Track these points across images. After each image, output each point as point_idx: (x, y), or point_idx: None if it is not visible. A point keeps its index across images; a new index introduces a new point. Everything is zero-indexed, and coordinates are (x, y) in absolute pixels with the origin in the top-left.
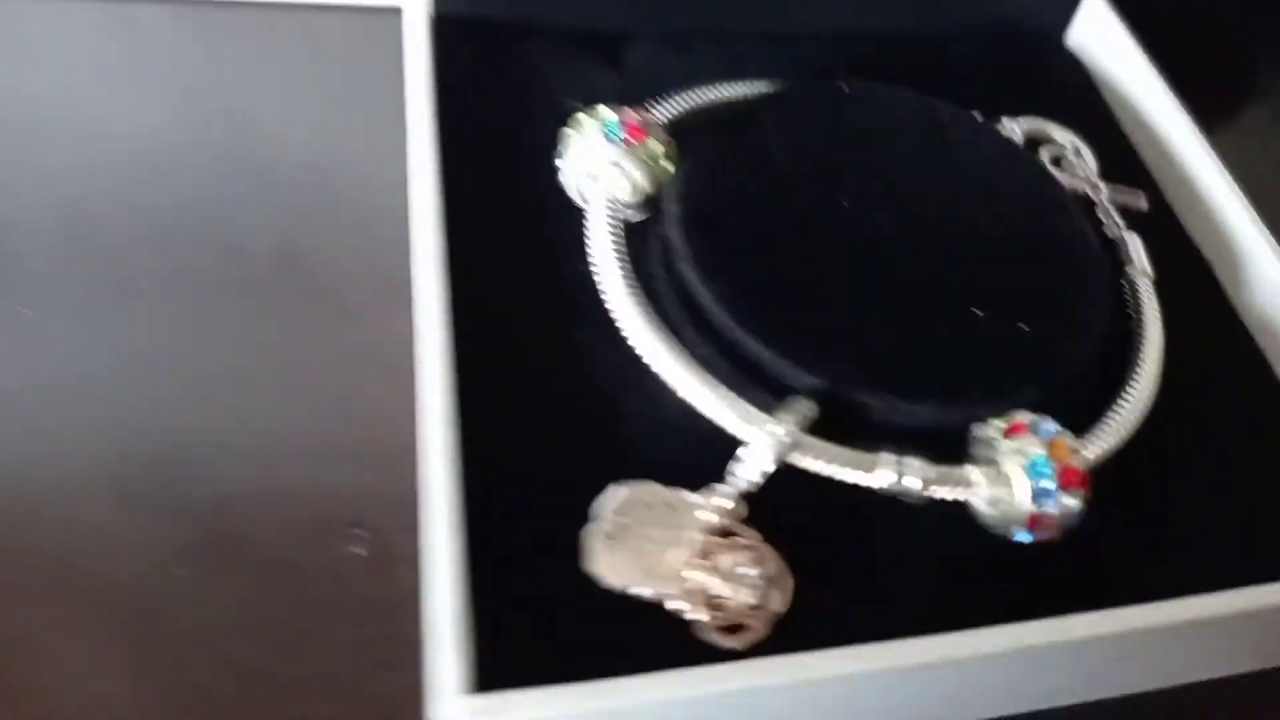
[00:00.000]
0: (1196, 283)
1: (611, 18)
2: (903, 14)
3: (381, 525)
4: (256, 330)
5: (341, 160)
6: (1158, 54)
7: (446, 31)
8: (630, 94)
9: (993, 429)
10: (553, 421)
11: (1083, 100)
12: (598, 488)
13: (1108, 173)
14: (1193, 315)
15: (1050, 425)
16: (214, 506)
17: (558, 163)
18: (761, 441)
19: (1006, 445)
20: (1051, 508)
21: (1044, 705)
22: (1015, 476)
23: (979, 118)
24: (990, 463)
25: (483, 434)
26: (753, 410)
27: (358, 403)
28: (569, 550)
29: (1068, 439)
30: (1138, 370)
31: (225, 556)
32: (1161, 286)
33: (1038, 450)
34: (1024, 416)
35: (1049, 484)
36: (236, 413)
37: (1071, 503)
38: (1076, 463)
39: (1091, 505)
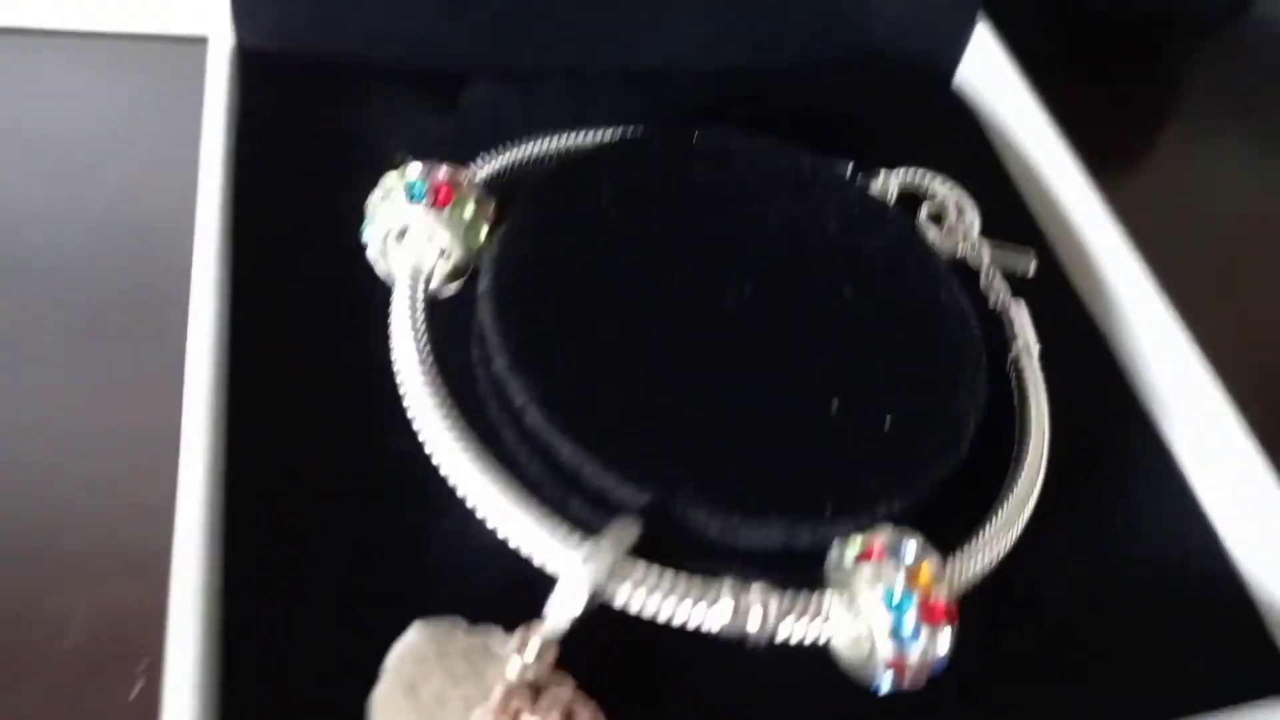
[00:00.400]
0: (1088, 353)
1: (447, 54)
2: (774, 48)
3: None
4: (29, 394)
5: (145, 204)
6: (1052, 98)
7: (256, 68)
8: (464, 142)
9: (849, 550)
10: (340, 543)
11: (969, 147)
12: (393, 622)
13: (993, 228)
14: (1083, 392)
15: (911, 546)
16: None
17: (363, 231)
18: (572, 577)
19: (862, 571)
20: (913, 650)
21: None
22: (871, 609)
23: (847, 171)
24: (847, 589)
25: (248, 554)
26: (561, 537)
27: (149, 502)
28: (355, 704)
29: (932, 561)
30: (1019, 467)
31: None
32: (1051, 359)
33: (896, 578)
34: (882, 535)
35: (909, 620)
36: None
37: (937, 644)
38: (942, 592)
39: (965, 625)
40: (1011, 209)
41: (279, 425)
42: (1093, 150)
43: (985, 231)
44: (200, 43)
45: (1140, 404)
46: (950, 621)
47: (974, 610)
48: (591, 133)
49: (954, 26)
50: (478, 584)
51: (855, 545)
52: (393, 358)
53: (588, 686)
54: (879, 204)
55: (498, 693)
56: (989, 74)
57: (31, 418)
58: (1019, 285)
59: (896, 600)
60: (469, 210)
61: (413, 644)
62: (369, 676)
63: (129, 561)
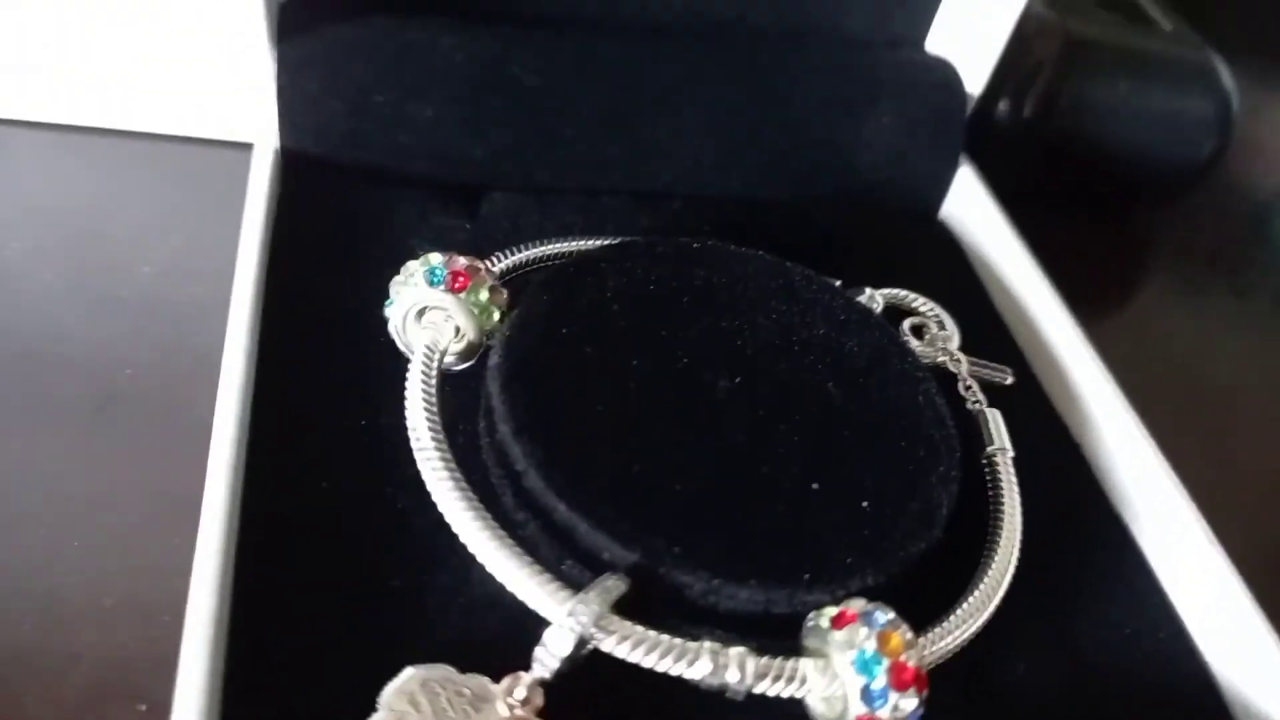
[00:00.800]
0: (1062, 460)
1: (470, 169)
2: (771, 180)
3: (164, 697)
4: (66, 471)
5: (185, 295)
6: (1034, 231)
7: (295, 168)
8: (482, 244)
9: (823, 618)
10: (344, 589)
11: (953, 274)
12: (390, 667)
13: (976, 348)
14: (1056, 494)
15: (882, 615)
16: None
17: (386, 309)
18: (560, 623)
19: (836, 637)
20: (883, 710)
21: None
22: (843, 672)
23: (836, 284)
24: (822, 655)
25: (260, 598)
26: (552, 586)
27: (155, 558)
28: None
29: (902, 631)
30: (991, 556)
31: None
32: (1026, 463)
33: (868, 643)
34: (855, 605)
35: (880, 682)
36: (18, 562)
37: (906, 705)
38: (910, 659)
39: (934, 704)
40: (993, 331)
41: (296, 480)
42: (1069, 291)
43: (966, 348)
44: (245, 148)
45: (1111, 506)
46: (919, 688)
47: (944, 692)
48: (600, 240)
49: (937, 166)
50: (471, 635)
51: (830, 611)
52: (407, 423)
53: None
54: (864, 310)
55: None
56: (971, 209)
57: (49, 476)
58: (997, 396)
59: (867, 663)
60: (483, 295)
61: (404, 685)
62: (367, 712)
63: (138, 612)
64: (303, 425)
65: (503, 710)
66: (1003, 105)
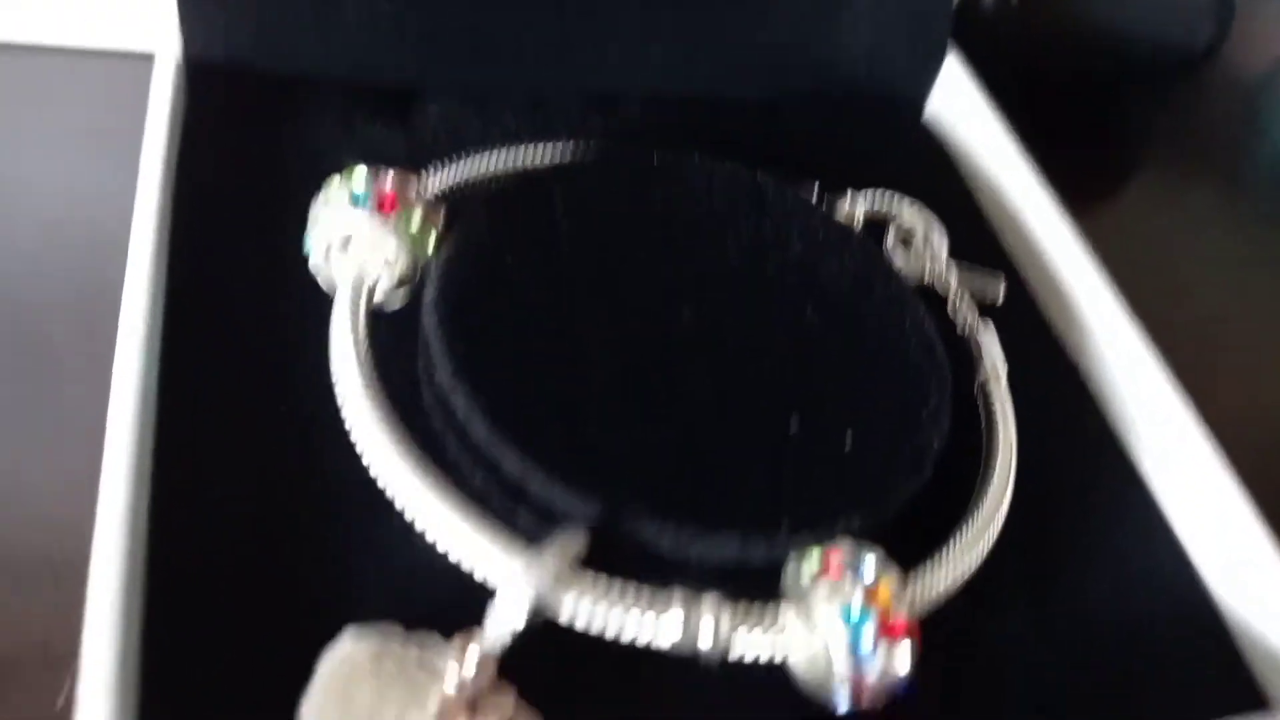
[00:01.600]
0: (1058, 379)
1: (402, 71)
2: (742, 76)
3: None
4: None
5: (87, 228)
6: (1022, 126)
7: (203, 81)
8: (417, 158)
9: (805, 564)
10: (278, 552)
11: (938, 175)
12: (327, 637)
13: (963, 256)
14: (1055, 419)
15: (870, 560)
16: None
17: (306, 238)
18: (513, 587)
19: (819, 587)
20: (871, 669)
21: None
22: (828, 626)
23: (813, 194)
24: (803, 609)
25: (180, 565)
26: (503, 547)
27: (65, 520)
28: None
29: (891, 577)
30: (984, 491)
31: None
32: (1021, 386)
33: (855, 595)
34: (841, 550)
35: (868, 638)
36: None
37: (897, 661)
38: (902, 608)
39: (927, 654)
40: (981, 237)
41: (211, 436)
42: (1061, 187)
43: (955, 254)
44: (146, 59)
45: (1110, 428)
46: (911, 638)
47: (937, 633)
48: (548, 148)
49: (923, 59)
50: (417, 596)
51: (813, 560)
52: (332, 368)
53: (531, 699)
54: (843, 227)
55: (433, 706)
56: (959, 106)
57: None
58: (990, 311)
59: (854, 616)
60: (416, 219)
61: (346, 652)
62: (299, 685)
63: (53, 571)
64: (218, 375)
65: (452, 682)
66: None
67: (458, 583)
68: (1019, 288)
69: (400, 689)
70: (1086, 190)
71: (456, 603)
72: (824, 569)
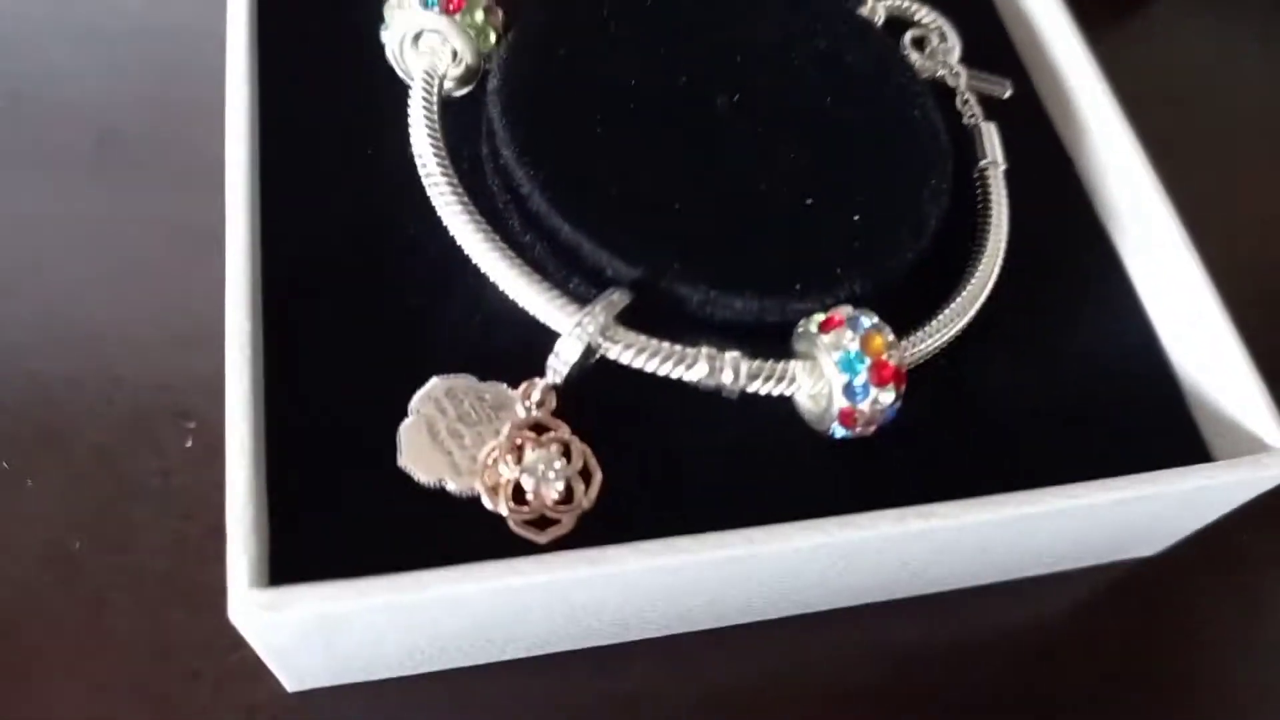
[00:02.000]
0: (1055, 174)
1: None
2: None
3: (209, 415)
4: (76, 209)
5: (173, 21)
6: None
7: None
8: None
9: (812, 323)
10: (368, 311)
11: None
12: (416, 381)
13: (977, 56)
14: (1047, 208)
15: (867, 319)
16: (33, 395)
17: (382, 34)
18: (569, 334)
19: (823, 339)
20: (863, 403)
21: (856, 602)
22: (829, 370)
23: None
24: (810, 357)
25: (290, 322)
26: (560, 301)
27: (188, 288)
28: (383, 445)
29: (885, 334)
30: (975, 265)
31: (45, 446)
32: (1019, 177)
33: (852, 345)
34: (843, 310)
35: (861, 379)
36: (56, 296)
37: (884, 398)
38: (892, 358)
39: (914, 400)
40: (996, 42)
41: (310, 211)
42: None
43: (968, 60)
44: None
45: (1097, 217)
46: (898, 384)
47: (925, 389)
48: None
49: None
50: (488, 348)
51: (818, 317)
52: (412, 150)
53: (581, 433)
54: (866, 23)
55: (506, 429)
56: None
57: (65, 213)
58: (996, 110)
59: (851, 362)
60: (479, 16)
61: (431, 391)
62: (397, 419)
63: (172, 340)
64: (311, 156)
65: (520, 412)
66: None
67: (523, 338)
68: (1027, 86)
69: (477, 419)
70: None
71: (521, 355)
72: (827, 324)
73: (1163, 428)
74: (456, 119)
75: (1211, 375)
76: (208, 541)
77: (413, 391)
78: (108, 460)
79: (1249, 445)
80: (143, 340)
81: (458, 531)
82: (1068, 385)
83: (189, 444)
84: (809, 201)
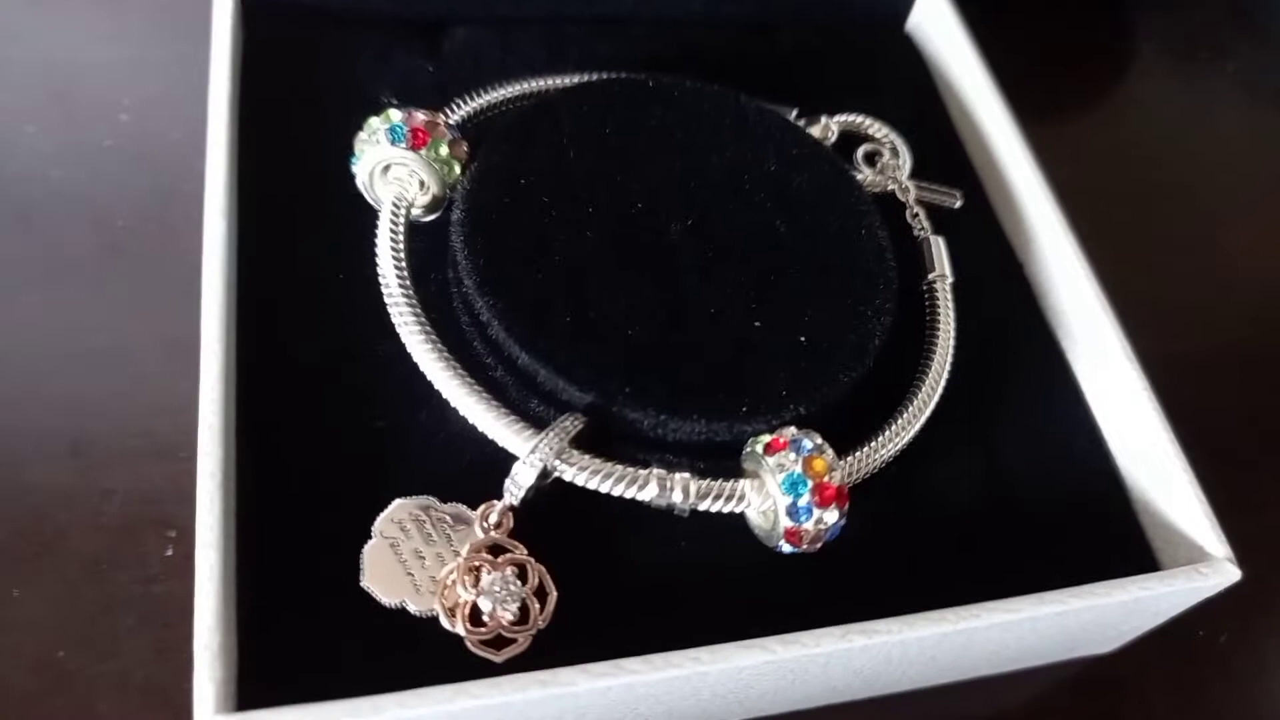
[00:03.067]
0: (1008, 282)
1: (433, 3)
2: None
3: (189, 524)
4: (78, 322)
5: (166, 140)
6: (999, 42)
7: (258, 15)
8: (445, 84)
9: (759, 444)
10: (337, 430)
11: (916, 90)
12: (382, 500)
13: (933, 166)
14: (999, 316)
15: (809, 442)
16: (26, 506)
17: (352, 165)
18: (524, 459)
19: (768, 461)
20: (807, 522)
21: (810, 705)
22: (773, 491)
23: (790, 115)
24: (758, 476)
25: (262, 442)
26: (518, 426)
27: (175, 400)
28: (350, 564)
29: (827, 455)
30: (923, 378)
31: (36, 555)
32: (973, 284)
33: (795, 467)
34: (787, 433)
35: (804, 500)
36: (54, 410)
37: (828, 518)
38: (834, 479)
39: (864, 511)
40: (950, 151)
41: (285, 330)
42: (1055, 89)
43: (924, 168)
44: None
45: (1046, 322)
46: (840, 502)
47: (873, 502)
48: (558, 79)
49: None
50: (450, 469)
51: (765, 438)
52: (379, 275)
53: (539, 552)
54: (815, 145)
55: (464, 550)
56: (936, 20)
57: (64, 328)
58: (951, 218)
59: (794, 484)
60: (443, 150)
61: (394, 513)
62: (361, 541)
63: (159, 450)
64: (286, 278)
65: (479, 533)
66: None
67: (482, 459)
68: (981, 196)
69: (438, 540)
70: (1080, 93)
71: (484, 474)
72: (773, 446)
73: (1111, 536)
74: (426, 242)
75: (1156, 484)
76: (187, 647)
77: (378, 511)
78: (95, 570)
79: (1190, 554)
80: (132, 451)
81: (418, 650)
82: (1017, 495)
83: (169, 552)
84: (757, 324)
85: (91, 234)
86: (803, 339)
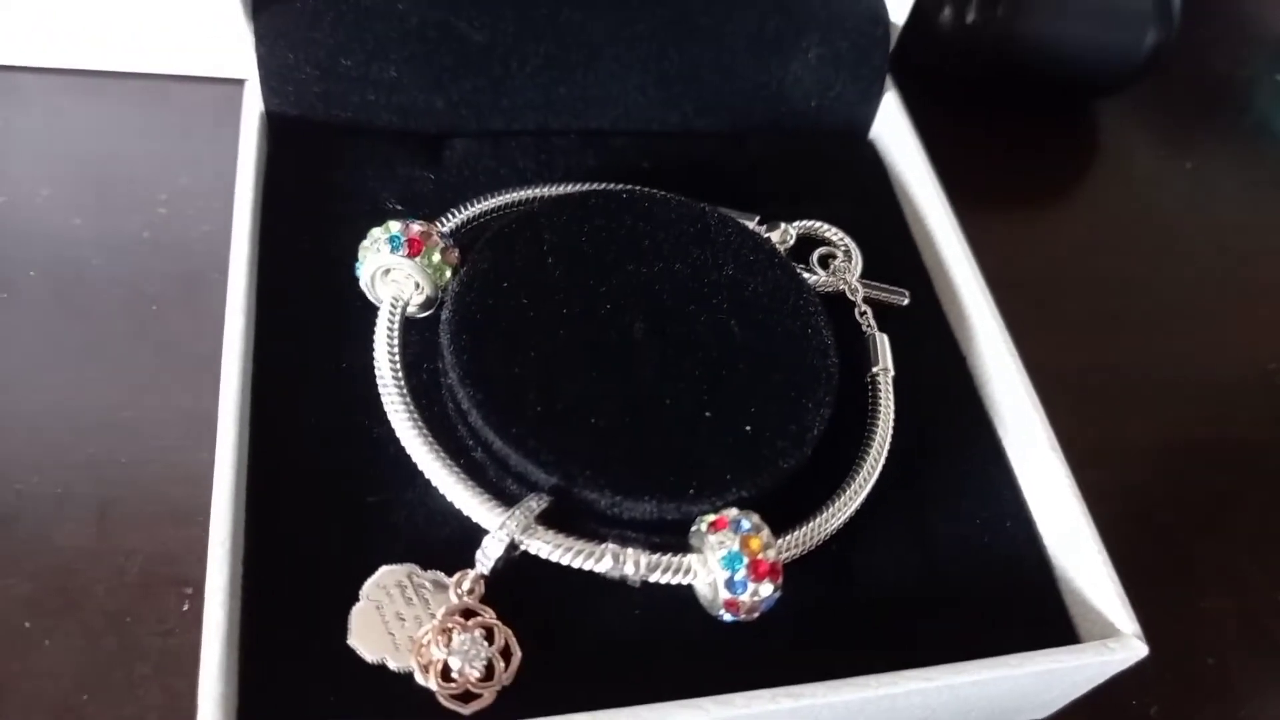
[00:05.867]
0: (950, 374)
1: (435, 118)
2: (709, 114)
3: (204, 582)
4: (99, 388)
5: (197, 232)
6: (973, 137)
7: (279, 130)
8: (444, 192)
9: (704, 522)
10: (333, 503)
11: (875, 195)
12: (370, 566)
13: (888, 268)
14: (937, 405)
15: (747, 522)
16: (55, 563)
17: (356, 269)
18: (493, 534)
19: (710, 539)
20: (743, 595)
21: None
22: (713, 566)
23: (752, 222)
24: (700, 554)
25: (268, 511)
26: (491, 504)
27: (188, 471)
28: (338, 625)
29: (762, 535)
30: (862, 464)
31: (62, 609)
32: (921, 375)
33: (733, 544)
34: (729, 513)
35: (740, 574)
36: (81, 478)
37: (763, 590)
38: (769, 556)
39: (803, 584)
40: (904, 252)
41: (292, 412)
42: (1019, 187)
43: (880, 268)
44: (237, 84)
45: (986, 416)
46: (773, 577)
47: (810, 580)
48: (545, 189)
49: (862, 93)
50: (431, 540)
51: (710, 517)
52: (374, 365)
53: (505, 618)
54: (770, 251)
55: (439, 614)
56: (895, 132)
57: (96, 401)
58: (901, 315)
59: (731, 560)
60: (436, 257)
61: (380, 579)
62: (353, 599)
63: (178, 515)
64: (296, 365)
65: (453, 598)
66: (946, 12)
67: (461, 529)
68: (929, 291)
69: (417, 604)
70: (1044, 191)
71: (461, 545)
72: (716, 525)
73: (1035, 611)
74: (422, 335)
75: (1078, 564)
76: (195, 694)
77: (367, 575)
78: (117, 623)
79: (1104, 630)
80: (152, 516)
81: (397, 704)
82: (948, 570)
83: (186, 608)
84: (707, 415)
85: (124, 316)
86: (748, 428)
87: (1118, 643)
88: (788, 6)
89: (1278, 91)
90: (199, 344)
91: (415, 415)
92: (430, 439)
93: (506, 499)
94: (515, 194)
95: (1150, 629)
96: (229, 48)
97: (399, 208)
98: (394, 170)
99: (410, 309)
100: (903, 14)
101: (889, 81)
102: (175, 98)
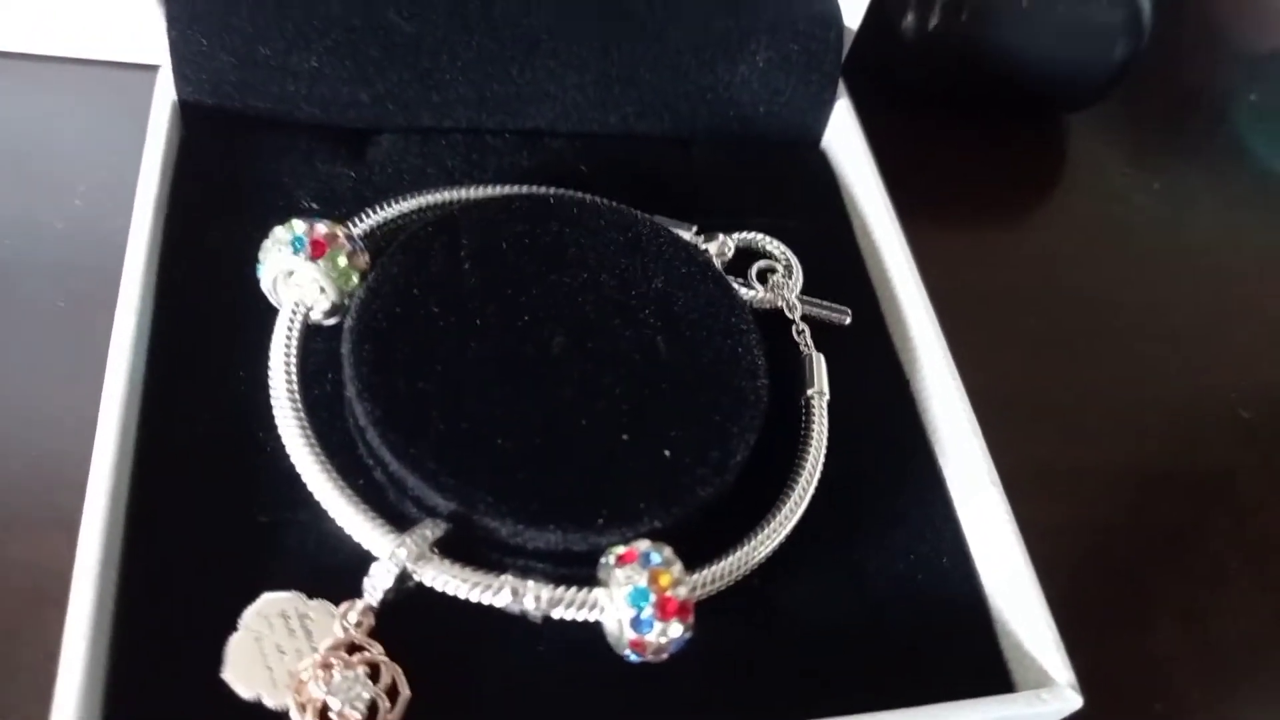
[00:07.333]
0: (892, 397)
1: (360, 112)
2: (652, 116)
3: None
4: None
5: (112, 225)
6: (934, 148)
7: (192, 120)
8: (365, 191)
9: (611, 555)
10: (218, 522)
11: (824, 207)
12: (253, 593)
13: (834, 282)
14: (877, 429)
15: (657, 555)
16: None
17: (258, 270)
18: (381, 561)
19: (616, 573)
20: (650, 634)
21: None
22: (619, 603)
23: (689, 232)
24: (606, 589)
25: (148, 526)
26: (383, 529)
27: (79, 477)
28: (216, 655)
29: (673, 570)
30: (790, 491)
31: None
32: (857, 401)
33: (640, 580)
34: (639, 545)
35: (647, 613)
36: None
37: (672, 630)
38: (679, 593)
39: (722, 622)
40: (850, 267)
41: (182, 420)
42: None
43: (825, 282)
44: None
45: (927, 444)
46: (682, 615)
47: (730, 618)
48: (471, 190)
49: (814, 99)
50: (321, 565)
51: (618, 550)
52: (269, 374)
53: (395, 654)
54: (704, 264)
55: (321, 647)
56: (846, 141)
57: None
58: (845, 334)
59: (637, 597)
60: (341, 261)
61: (261, 608)
62: (227, 632)
63: (64, 524)
64: (191, 370)
65: (338, 630)
66: (909, 17)
67: (353, 555)
68: (875, 310)
69: (298, 635)
70: (1003, 204)
71: (354, 572)
72: (624, 559)
73: (970, 656)
74: (328, 344)
75: (1014, 608)
76: None
77: (250, 601)
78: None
79: (1039, 678)
80: (37, 526)
81: None
82: (878, 609)
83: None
84: (625, 438)
85: (28, 310)
86: (667, 453)
87: (1050, 693)
88: (736, 6)
89: (1254, 111)
90: (105, 344)
91: (307, 429)
92: (322, 456)
93: (406, 524)
94: (438, 195)
95: (1095, 674)
96: (142, 32)
97: (314, 206)
98: (313, 166)
99: (316, 315)
100: (857, 18)
101: (842, 88)
102: (103, 84)
